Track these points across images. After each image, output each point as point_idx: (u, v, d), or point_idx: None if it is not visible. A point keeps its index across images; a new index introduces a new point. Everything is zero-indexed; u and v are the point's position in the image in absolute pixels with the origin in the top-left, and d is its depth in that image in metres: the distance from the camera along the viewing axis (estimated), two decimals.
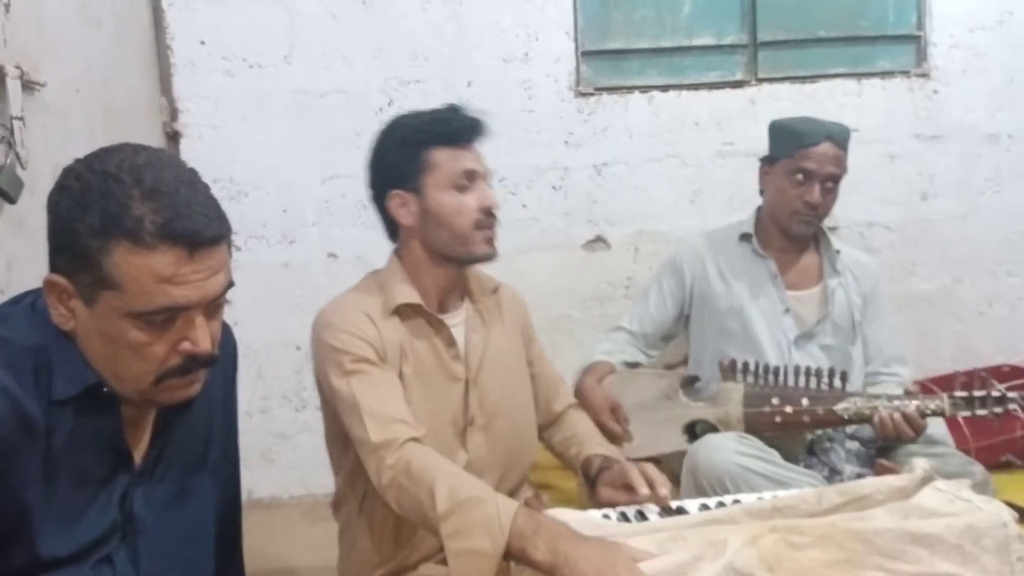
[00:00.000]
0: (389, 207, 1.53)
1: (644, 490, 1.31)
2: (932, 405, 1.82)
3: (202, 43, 2.84)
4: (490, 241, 1.52)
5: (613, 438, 1.83)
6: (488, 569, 1.13)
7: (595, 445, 1.64)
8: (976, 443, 2.30)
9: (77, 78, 2.14)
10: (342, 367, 1.41)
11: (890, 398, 1.86)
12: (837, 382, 1.88)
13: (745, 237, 2.21)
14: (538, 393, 1.69)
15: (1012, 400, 1.81)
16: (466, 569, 1.15)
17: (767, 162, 2.19)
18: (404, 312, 1.51)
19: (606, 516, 1.26)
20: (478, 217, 1.49)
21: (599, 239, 3.04)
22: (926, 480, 1.14)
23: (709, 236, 2.29)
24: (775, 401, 1.89)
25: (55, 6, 2.03)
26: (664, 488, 1.33)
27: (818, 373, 1.90)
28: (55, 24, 2.02)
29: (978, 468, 1.88)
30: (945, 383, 2.60)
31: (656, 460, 1.76)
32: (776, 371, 1.92)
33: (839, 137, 2.10)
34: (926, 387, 2.55)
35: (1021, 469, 2.58)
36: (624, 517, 1.26)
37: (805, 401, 1.87)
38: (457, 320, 1.57)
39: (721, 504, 1.25)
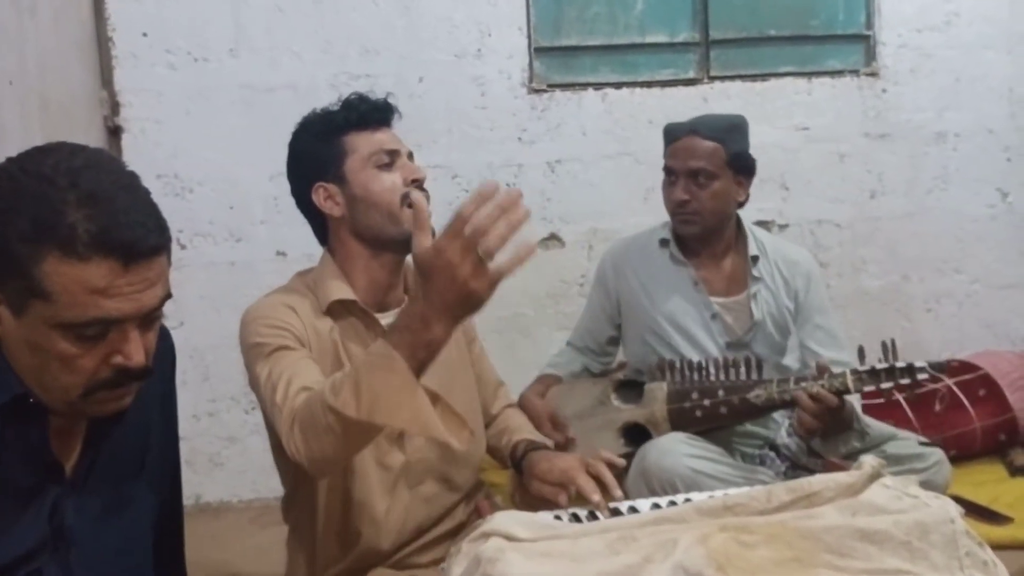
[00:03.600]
0: (315, 202, 1.49)
1: (595, 497, 1.30)
2: (836, 382, 1.77)
3: (144, 35, 2.78)
4: None
5: (556, 447, 1.79)
6: (417, 395, 1.08)
7: (524, 433, 1.61)
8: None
9: (11, 70, 2.06)
10: (262, 356, 1.36)
11: (797, 380, 1.82)
12: (754, 372, 1.87)
13: (664, 243, 2.11)
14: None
15: (921, 370, 1.73)
16: (408, 413, 1.08)
17: None
18: (337, 311, 1.47)
19: (557, 517, 1.24)
20: (406, 191, 1.45)
21: (553, 237, 3.03)
22: (874, 476, 1.14)
23: (630, 243, 2.20)
24: (695, 396, 1.88)
25: None
26: (617, 490, 1.32)
27: (735, 364, 1.88)
28: None
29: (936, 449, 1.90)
30: None
31: None
32: (699, 366, 1.91)
33: (708, 129, 1.99)
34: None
35: (968, 463, 2.64)
36: (576, 517, 1.24)
37: (721, 393, 1.86)
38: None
39: (672, 503, 1.24)
